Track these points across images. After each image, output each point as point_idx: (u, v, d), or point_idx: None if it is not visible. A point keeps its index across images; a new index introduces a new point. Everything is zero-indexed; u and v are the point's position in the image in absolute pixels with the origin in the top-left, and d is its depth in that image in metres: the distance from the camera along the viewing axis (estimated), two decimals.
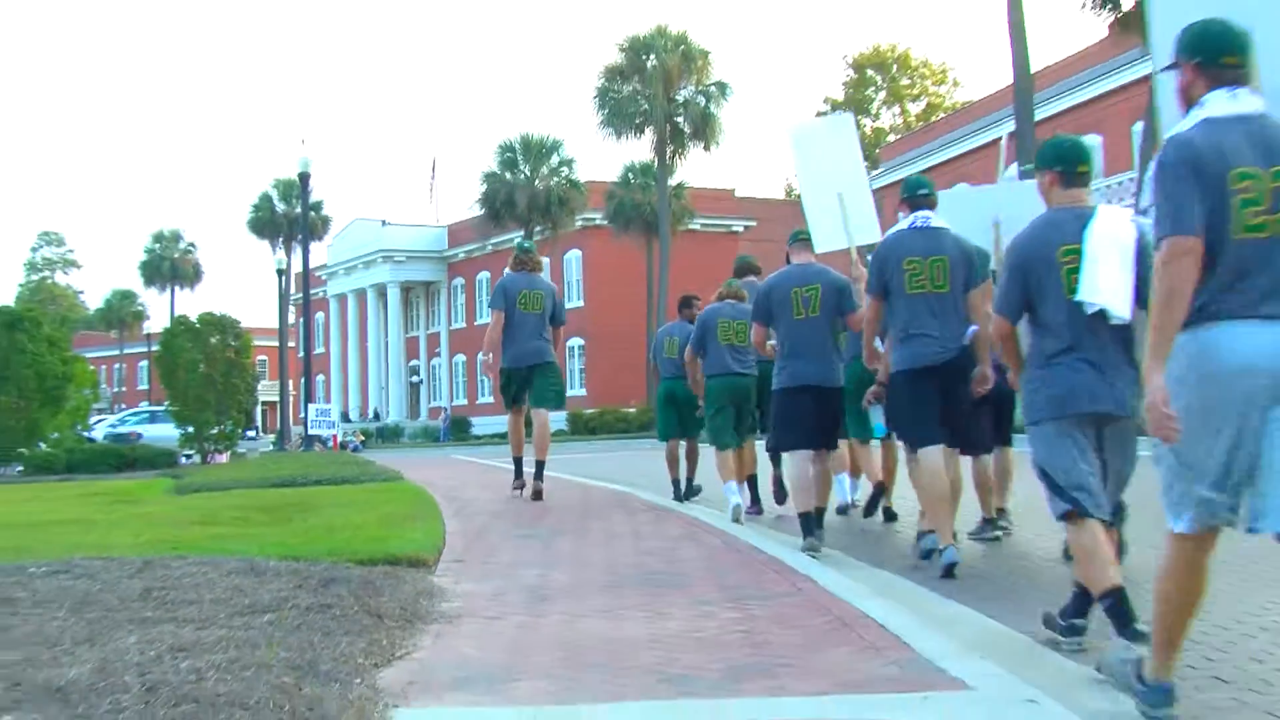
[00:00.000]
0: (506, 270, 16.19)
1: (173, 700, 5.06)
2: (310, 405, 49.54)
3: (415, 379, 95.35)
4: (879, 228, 12.48)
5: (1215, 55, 5.12)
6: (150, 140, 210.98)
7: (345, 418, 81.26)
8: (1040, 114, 42.92)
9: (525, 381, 15.84)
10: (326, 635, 6.64)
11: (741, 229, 79.32)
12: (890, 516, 13.14)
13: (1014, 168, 10.32)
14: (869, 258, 10.52)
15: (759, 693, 5.65)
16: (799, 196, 13.84)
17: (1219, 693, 5.66)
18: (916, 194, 10.23)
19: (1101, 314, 6.68)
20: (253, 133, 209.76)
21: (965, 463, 10.82)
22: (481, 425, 72.76)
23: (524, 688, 5.87)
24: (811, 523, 10.61)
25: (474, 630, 7.34)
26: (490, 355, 16.20)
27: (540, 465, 15.65)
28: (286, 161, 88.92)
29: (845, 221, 12.28)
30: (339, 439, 54.76)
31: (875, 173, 73.94)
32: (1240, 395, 4.79)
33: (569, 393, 76.94)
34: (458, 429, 75.25)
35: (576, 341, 77.08)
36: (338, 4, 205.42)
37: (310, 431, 47.38)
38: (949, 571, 9.24)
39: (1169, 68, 5.40)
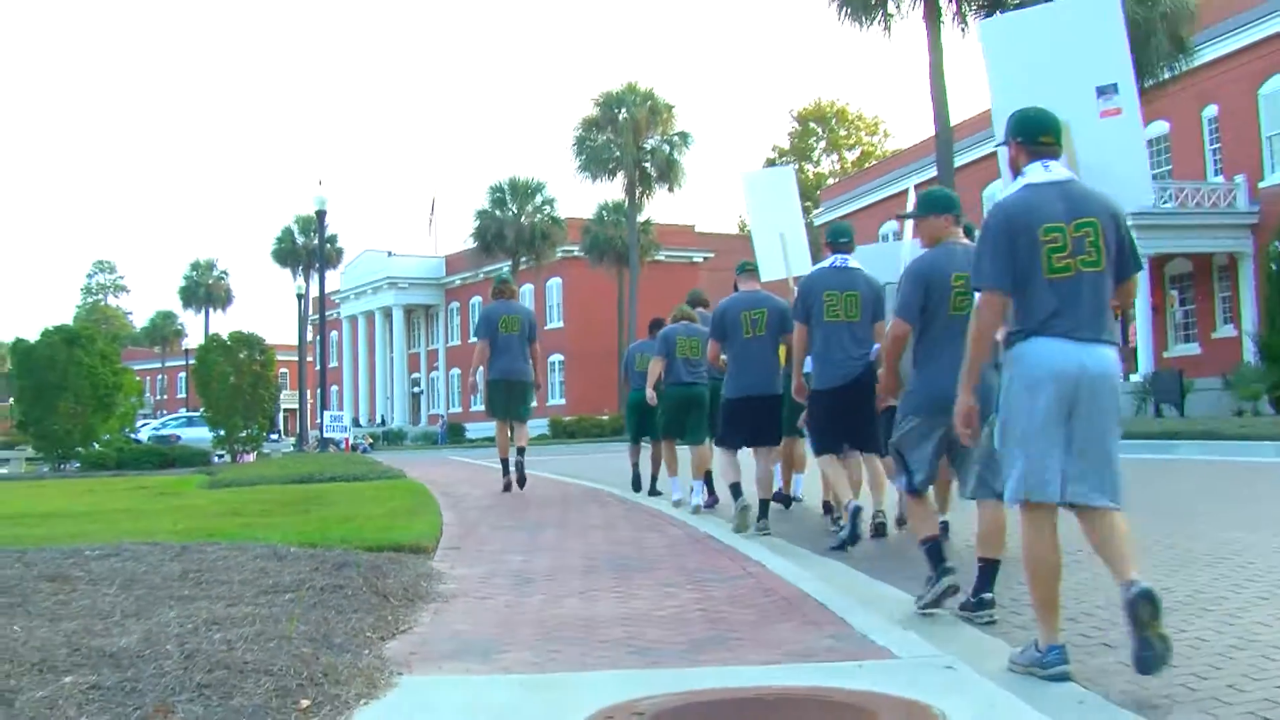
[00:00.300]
0: (487, 301, 16.63)
1: (207, 666, 5.06)
2: (325, 412, 49.51)
3: (416, 389, 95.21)
4: (810, 261, 12.77)
5: (1034, 135, 5.77)
6: (190, 182, 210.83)
7: (356, 423, 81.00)
8: (959, 161, 43.01)
9: (509, 393, 16.19)
10: (339, 612, 6.64)
11: (701, 260, 79.36)
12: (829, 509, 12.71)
13: (915, 243, 10.54)
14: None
15: (717, 662, 5.65)
16: (750, 232, 14.13)
17: (1108, 657, 5.68)
18: (838, 240, 10.72)
19: None
20: (277, 174, 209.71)
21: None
22: (474, 430, 72.50)
23: (511, 658, 5.87)
24: (739, 491, 10.98)
25: (467, 608, 7.32)
26: (475, 376, 16.77)
27: (521, 450, 16.23)
28: (305, 199, 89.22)
29: (785, 255, 12.94)
30: (350, 442, 54.54)
31: (816, 212, 74.17)
32: (1068, 392, 5.39)
33: (550, 402, 77.68)
34: (453, 433, 74.98)
35: (557, 357, 77.03)
36: (352, 64, 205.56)
37: (325, 435, 47.24)
38: (851, 542, 9.90)
39: (1002, 144, 6.10)
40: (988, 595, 6.78)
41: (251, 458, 33.51)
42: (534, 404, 17.45)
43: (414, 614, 7.03)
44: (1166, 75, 35.93)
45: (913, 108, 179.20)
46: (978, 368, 5.77)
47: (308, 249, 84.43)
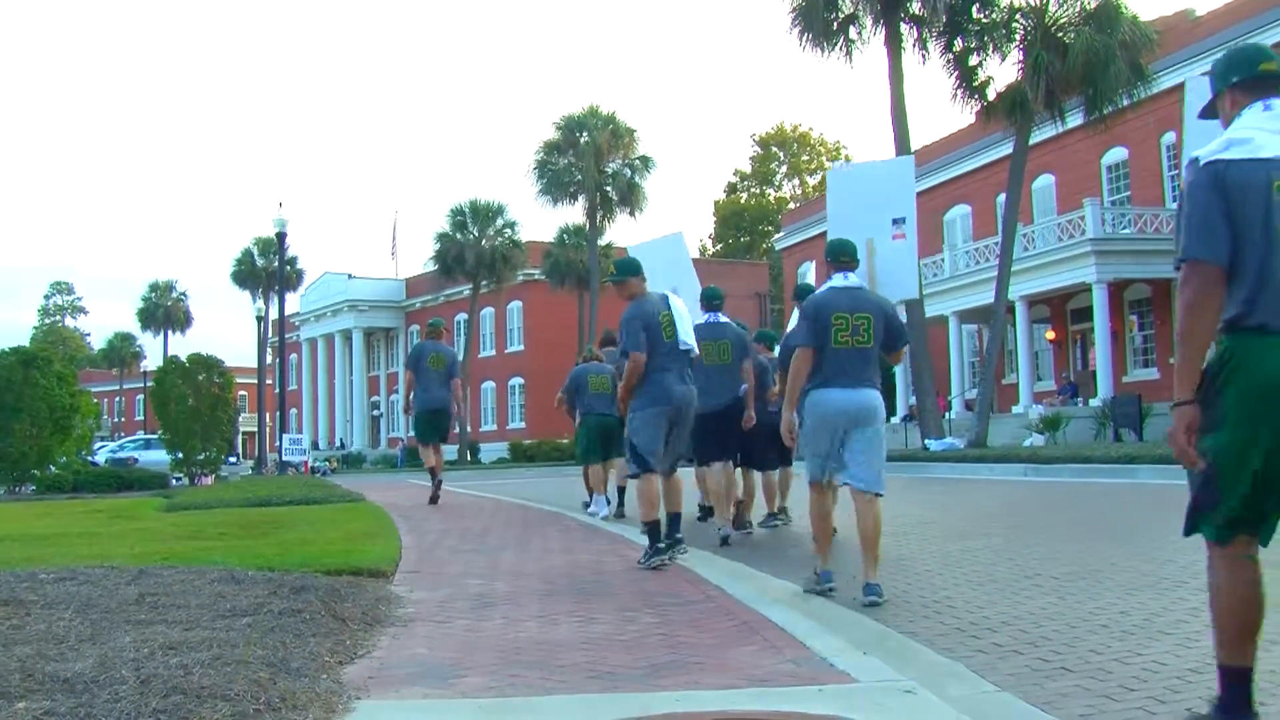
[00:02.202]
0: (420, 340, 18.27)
1: (163, 692, 5.03)
2: (284, 435, 49.12)
3: (376, 413, 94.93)
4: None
5: (836, 256, 9.11)
6: (150, 203, 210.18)
7: (315, 446, 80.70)
8: (919, 186, 43.12)
9: (431, 419, 19.00)
10: (297, 636, 6.60)
11: None
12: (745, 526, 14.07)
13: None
14: None
15: (677, 687, 5.64)
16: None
17: (1065, 681, 5.69)
18: (712, 302, 13.42)
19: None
20: (238, 195, 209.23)
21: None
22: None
23: (470, 682, 5.84)
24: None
25: (426, 632, 7.30)
26: (406, 401, 19.47)
27: (439, 483, 19.65)
28: (266, 221, 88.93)
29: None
30: (309, 465, 54.34)
31: (778, 236, 74.72)
32: (839, 418, 8.64)
33: (510, 425, 77.65)
34: (413, 457, 74.54)
35: (517, 380, 77.00)
36: (314, 85, 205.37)
37: (284, 458, 46.99)
38: (724, 541, 12.49)
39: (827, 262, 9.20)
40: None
41: (209, 481, 33.33)
42: (449, 429, 19.98)
43: (372, 638, 6.99)
44: (1125, 102, 36.18)
45: (874, 133, 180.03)
46: (795, 399, 8.81)
47: (268, 271, 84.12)
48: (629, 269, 11.17)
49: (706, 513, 14.88)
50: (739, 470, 13.96)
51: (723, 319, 13.19)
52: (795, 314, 11.00)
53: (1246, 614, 4.43)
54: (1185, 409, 4.42)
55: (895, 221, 12.15)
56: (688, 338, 10.81)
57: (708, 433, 12.64)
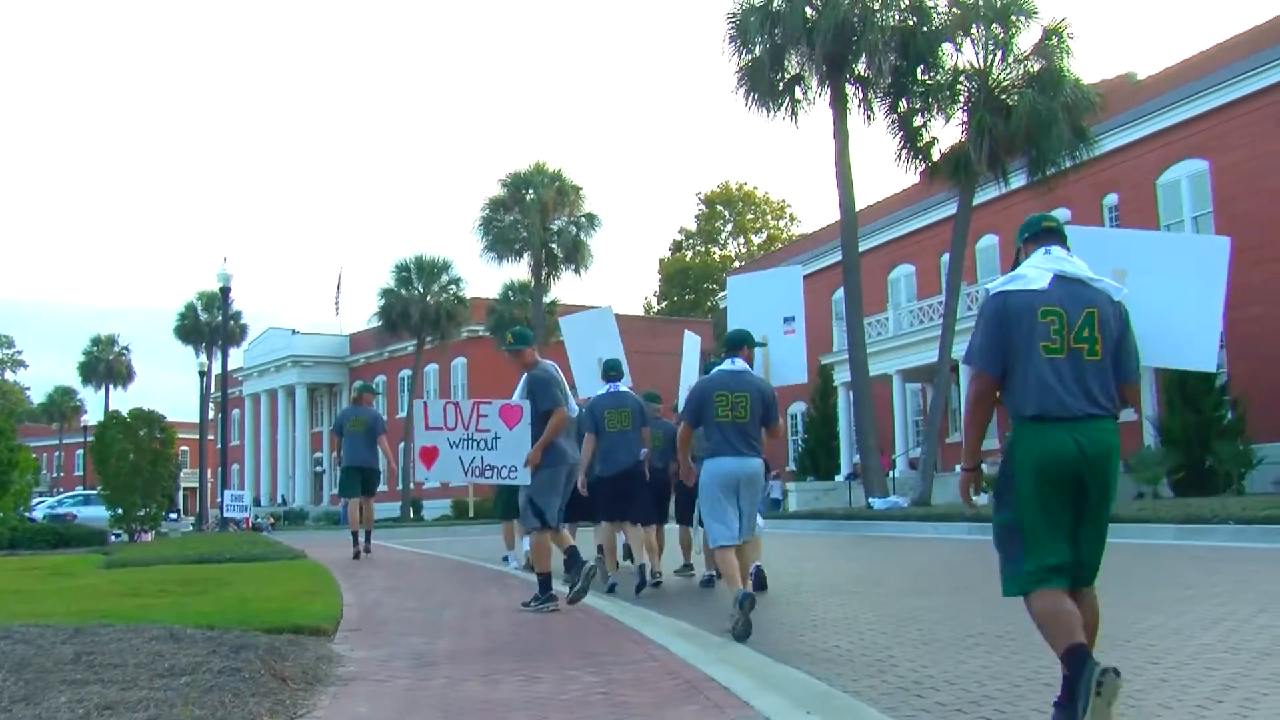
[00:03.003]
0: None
1: None
2: (226, 491, 49.00)
3: (319, 469, 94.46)
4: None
5: (730, 346, 11.15)
6: (92, 257, 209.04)
7: (257, 502, 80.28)
8: (864, 246, 43.61)
9: (353, 477, 20.59)
10: (236, 696, 6.56)
11: None
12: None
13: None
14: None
15: None
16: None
17: None
18: (611, 373, 14.53)
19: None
20: (181, 251, 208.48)
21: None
22: (375, 511, 72.16)
23: None
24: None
25: (367, 692, 7.25)
26: (336, 458, 21.04)
27: (368, 534, 21.41)
28: (210, 275, 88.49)
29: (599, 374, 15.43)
30: (251, 521, 54.02)
31: (723, 294, 74.67)
32: (728, 483, 10.63)
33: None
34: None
35: None
36: (259, 139, 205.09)
37: (226, 514, 46.81)
38: (611, 589, 13.76)
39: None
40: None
41: (149, 537, 33.02)
42: (378, 484, 21.72)
43: (313, 697, 6.94)
44: (1068, 164, 36.60)
45: (819, 191, 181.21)
46: (685, 459, 11.39)
47: (211, 326, 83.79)
48: (526, 339, 12.76)
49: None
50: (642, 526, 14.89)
51: (623, 389, 14.45)
52: None
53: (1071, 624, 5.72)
54: (968, 474, 6.51)
55: (786, 320, 13.87)
56: (572, 404, 12.55)
57: (608, 493, 14.06)
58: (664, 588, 14.82)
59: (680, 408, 12.78)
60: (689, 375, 15.25)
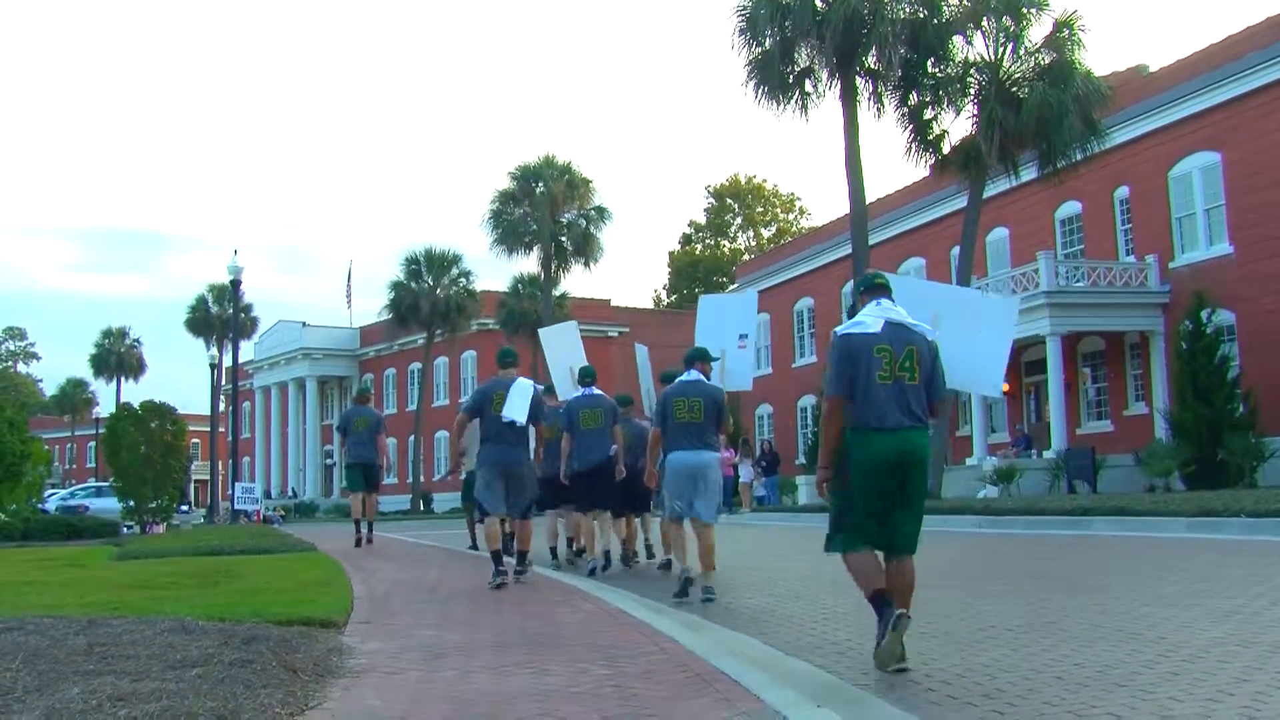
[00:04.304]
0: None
1: None
2: (237, 483, 48.93)
3: (329, 461, 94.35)
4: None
5: (689, 361, 13.22)
6: (104, 248, 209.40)
7: (267, 495, 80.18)
8: (874, 239, 43.49)
9: (355, 472, 21.96)
10: (248, 687, 6.56)
11: (616, 334, 79.13)
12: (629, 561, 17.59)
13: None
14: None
15: None
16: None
17: None
18: (586, 379, 16.41)
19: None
20: (192, 243, 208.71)
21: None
22: (386, 503, 72.15)
23: None
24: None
25: (377, 684, 7.25)
26: (334, 457, 23.14)
27: (370, 525, 23.28)
28: (221, 268, 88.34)
29: (571, 381, 17.37)
30: (261, 514, 54.01)
31: (732, 287, 74.64)
32: (686, 471, 12.70)
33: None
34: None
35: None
36: (271, 132, 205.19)
37: (236, 507, 46.77)
38: (592, 573, 15.69)
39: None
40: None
41: (161, 529, 33.14)
42: (381, 479, 23.09)
43: (324, 689, 6.94)
44: (1079, 156, 36.45)
45: (829, 184, 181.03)
46: (655, 456, 13.37)
47: (222, 318, 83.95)
48: (506, 358, 14.92)
49: (579, 553, 18.16)
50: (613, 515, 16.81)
51: (597, 392, 16.32)
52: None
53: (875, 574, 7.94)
54: (823, 472, 8.14)
55: (741, 336, 16.03)
56: (511, 413, 13.84)
57: (583, 486, 16.13)
58: (672, 583, 14.59)
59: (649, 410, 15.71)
60: (645, 380, 17.55)
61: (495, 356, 15.21)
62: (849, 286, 45.79)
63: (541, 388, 15.25)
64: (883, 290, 8.35)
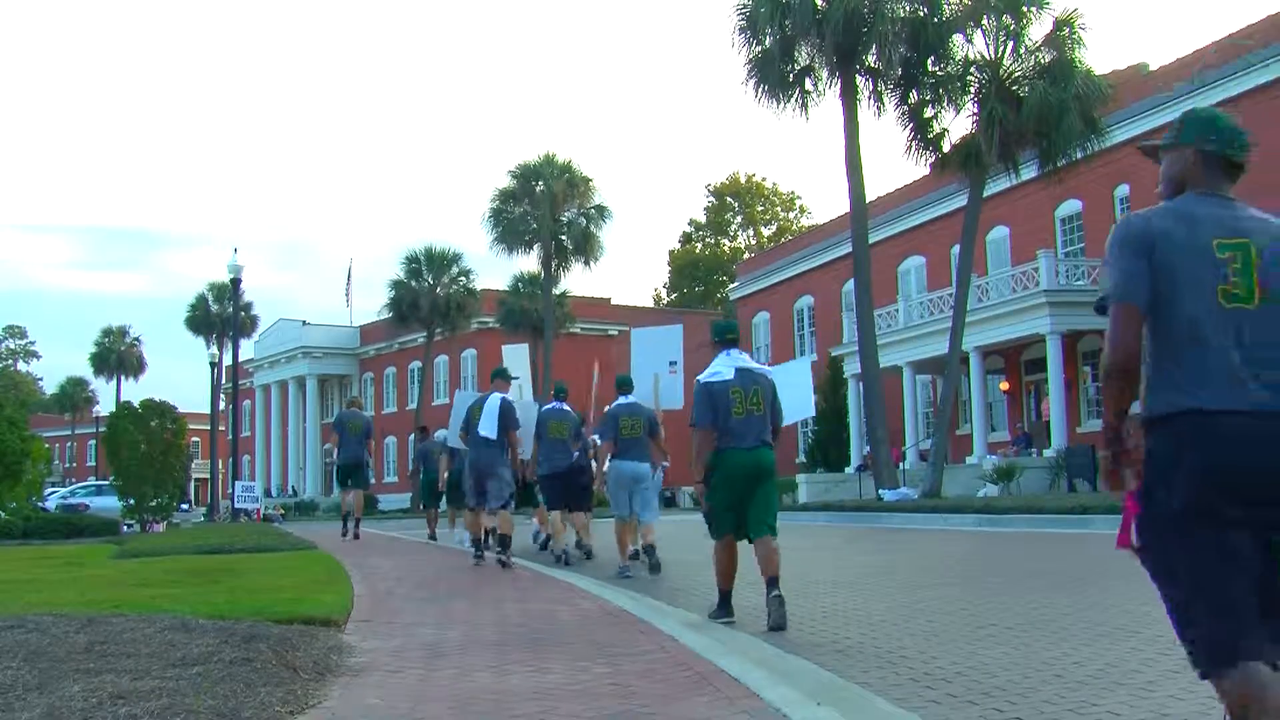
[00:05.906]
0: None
1: None
2: (237, 482, 48.93)
3: (329, 460, 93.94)
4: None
5: (618, 385, 16.76)
6: (103, 247, 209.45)
7: (267, 493, 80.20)
8: (874, 238, 43.43)
9: (350, 470, 24.17)
10: (248, 686, 6.57)
11: (616, 333, 78.89)
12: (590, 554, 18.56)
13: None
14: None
15: None
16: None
17: None
18: (558, 395, 18.54)
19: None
20: (192, 241, 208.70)
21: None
22: (385, 502, 72.18)
23: None
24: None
25: (378, 682, 7.26)
26: (331, 457, 24.91)
27: (357, 521, 25.14)
28: (221, 266, 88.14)
29: (526, 394, 19.81)
30: (262, 512, 53.97)
31: (732, 286, 74.82)
32: (628, 478, 16.01)
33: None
34: (365, 505, 74.41)
35: None
36: (270, 129, 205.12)
37: (236, 505, 46.75)
38: (558, 560, 17.75)
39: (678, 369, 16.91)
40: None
41: (161, 528, 33.08)
42: (368, 480, 25.82)
43: (324, 688, 6.95)
44: (1079, 155, 36.46)
45: (829, 183, 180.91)
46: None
47: (222, 317, 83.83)
48: (495, 376, 17.59)
49: (544, 542, 20.59)
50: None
51: (565, 407, 18.21)
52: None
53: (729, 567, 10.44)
54: (699, 486, 10.58)
55: (670, 363, 17.70)
56: (483, 430, 16.32)
57: (549, 487, 18.19)
58: (672, 581, 15.01)
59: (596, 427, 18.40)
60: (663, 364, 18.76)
61: (491, 373, 17.90)
62: (849, 285, 45.84)
63: (512, 399, 17.31)
64: (733, 343, 10.95)
